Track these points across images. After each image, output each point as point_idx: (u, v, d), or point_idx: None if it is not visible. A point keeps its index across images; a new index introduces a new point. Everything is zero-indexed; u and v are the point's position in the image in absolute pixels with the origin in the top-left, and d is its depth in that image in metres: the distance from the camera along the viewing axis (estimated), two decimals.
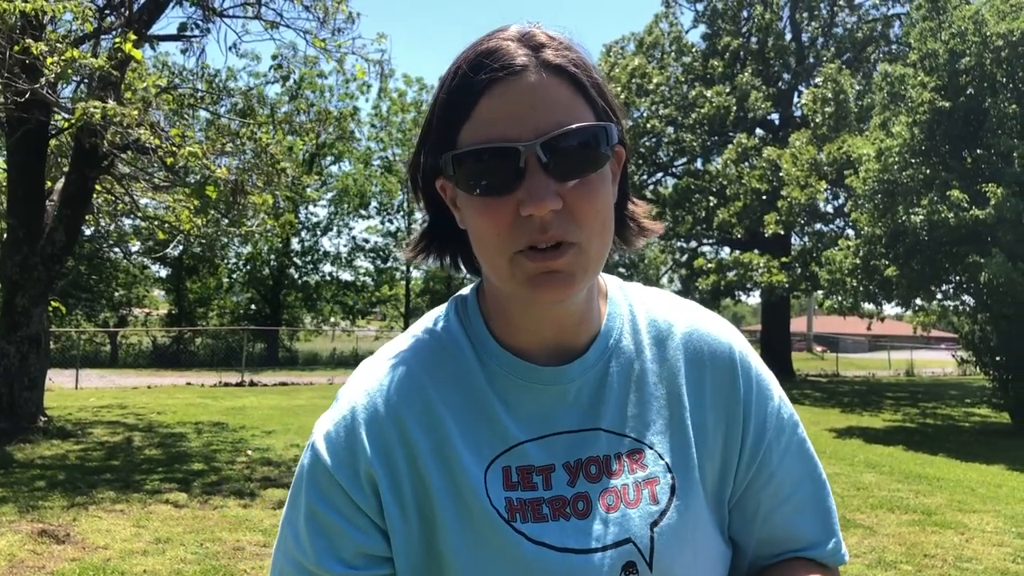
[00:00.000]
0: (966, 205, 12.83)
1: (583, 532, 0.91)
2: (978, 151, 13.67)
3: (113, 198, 12.77)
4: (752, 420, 1.00)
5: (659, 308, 1.05)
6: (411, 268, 36.61)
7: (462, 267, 1.03)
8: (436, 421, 0.93)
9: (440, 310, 1.04)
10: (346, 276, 36.08)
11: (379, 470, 0.91)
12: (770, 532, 1.02)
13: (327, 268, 35.56)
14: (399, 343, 1.02)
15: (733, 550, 1.03)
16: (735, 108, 25.02)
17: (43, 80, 8.25)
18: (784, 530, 1.02)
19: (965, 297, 15.13)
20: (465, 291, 1.05)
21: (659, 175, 28.71)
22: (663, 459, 0.96)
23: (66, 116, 9.24)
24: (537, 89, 0.86)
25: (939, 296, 15.63)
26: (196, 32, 11.04)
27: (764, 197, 22.40)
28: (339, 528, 0.90)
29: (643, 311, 1.04)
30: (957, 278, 14.47)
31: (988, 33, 13.23)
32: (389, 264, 36.08)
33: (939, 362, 35.64)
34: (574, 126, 0.86)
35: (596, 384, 0.97)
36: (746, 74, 25.74)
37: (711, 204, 25.00)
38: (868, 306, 17.58)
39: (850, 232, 20.97)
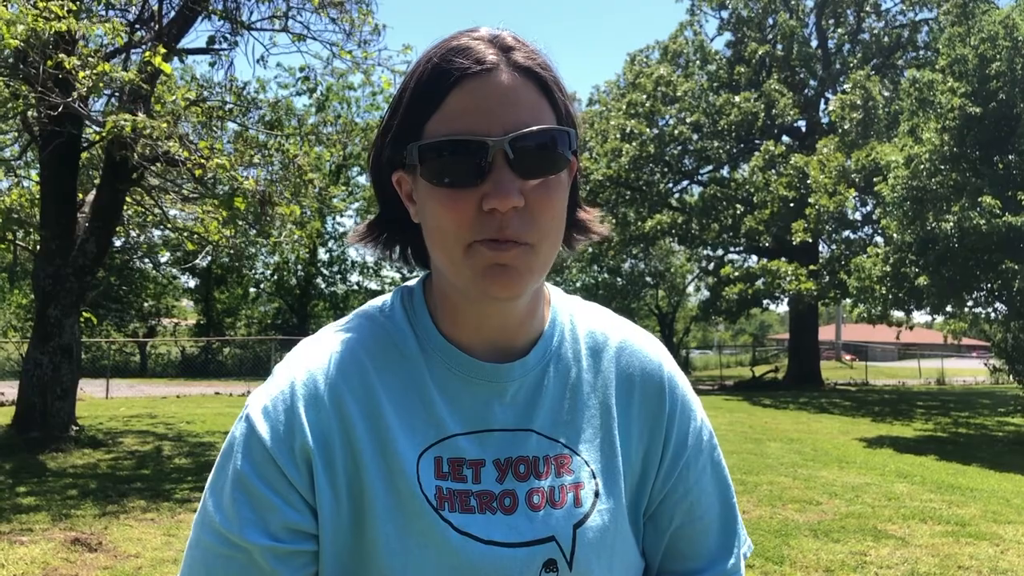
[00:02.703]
0: (998, 211, 12.67)
1: (508, 527, 0.93)
2: (1010, 157, 13.51)
3: (143, 210, 12.92)
4: (673, 437, 1.04)
5: (597, 321, 1.08)
6: None
7: (410, 260, 1.04)
8: (374, 404, 0.94)
9: (385, 298, 1.05)
10: (372, 286, 36.27)
11: (315, 449, 0.90)
12: (677, 547, 1.06)
13: (354, 278, 35.76)
14: (341, 325, 1.02)
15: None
16: (762, 115, 24.89)
17: (75, 94, 8.37)
18: (691, 546, 1.06)
19: (997, 304, 14.93)
20: (411, 283, 1.06)
21: (685, 183, 28.63)
22: (589, 466, 0.99)
23: (97, 129, 9.37)
24: (507, 87, 0.88)
25: (970, 303, 15.43)
26: (224, 45, 11.17)
27: (792, 205, 22.24)
28: (268, 502, 0.89)
29: (583, 322, 1.06)
30: (989, 285, 14.28)
31: (1019, 37, 13.08)
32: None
33: (970, 370, 35.17)
34: (543, 127, 0.88)
35: (533, 387, 0.99)
36: (772, 81, 25.61)
37: (738, 212, 24.88)
38: (897, 314, 17.40)
39: (879, 239, 20.79)
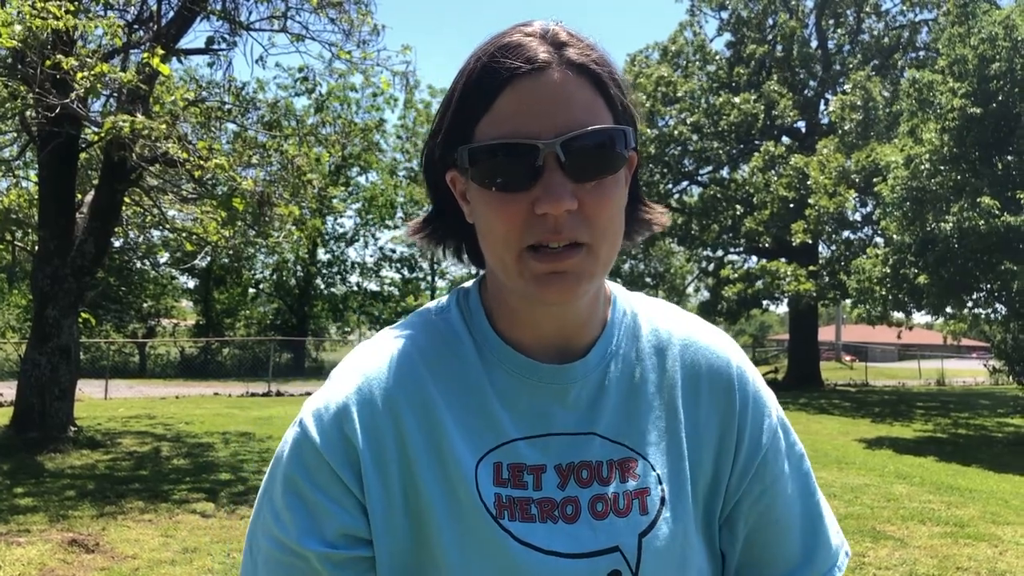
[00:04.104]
0: (997, 212, 12.67)
1: (571, 536, 0.90)
2: (1009, 157, 13.50)
3: (142, 210, 12.92)
4: (747, 435, 0.99)
5: (661, 318, 1.04)
6: (436, 278, 36.74)
7: (464, 259, 1.02)
8: (431, 409, 0.92)
9: (441, 300, 1.03)
10: (372, 286, 36.26)
11: (367, 453, 0.89)
12: (754, 552, 1.01)
13: (353, 278, 35.75)
14: (398, 329, 1.00)
15: (721, 568, 1.02)
16: (762, 115, 24.89)
17: (73, 95, 8.36)
18: (769, 552, 1.01)
19: (997, 305, 14.93)
20: (468, 284, 1.04)
21: (684, 183, 28.61)
22: (655, 470, 0.95)
23: (95, 130, 9.36)
24: (559, 87, 0.85)
25: (970, 304, 15.43)
26: (223, 46, 11.16)
27: (791, 205, 22.24)
28: (322, 507, 0.88)
29: (646, 319, 1.03)
30: (988, 286, 14.28)
31: (1019, 38, 13.07)
32: (415, 274, 36.22)
33: (970, 371, 35.17)
34: (595, 127, 0.85)
35: (595, 388, 0.96)
36: (772, 82, 25.61)
37: (737, 213, 24.87)
38: (897, 315, 17.40)
39: (879, 240, 20.79)
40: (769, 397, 1.04)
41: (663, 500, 0.94)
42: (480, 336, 0.97)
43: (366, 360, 0.95)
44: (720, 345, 1.03)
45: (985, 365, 18.88)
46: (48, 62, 8.01)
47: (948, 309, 15.53)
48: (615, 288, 1.04)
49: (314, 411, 0.92)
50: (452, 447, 0.90)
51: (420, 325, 0.99)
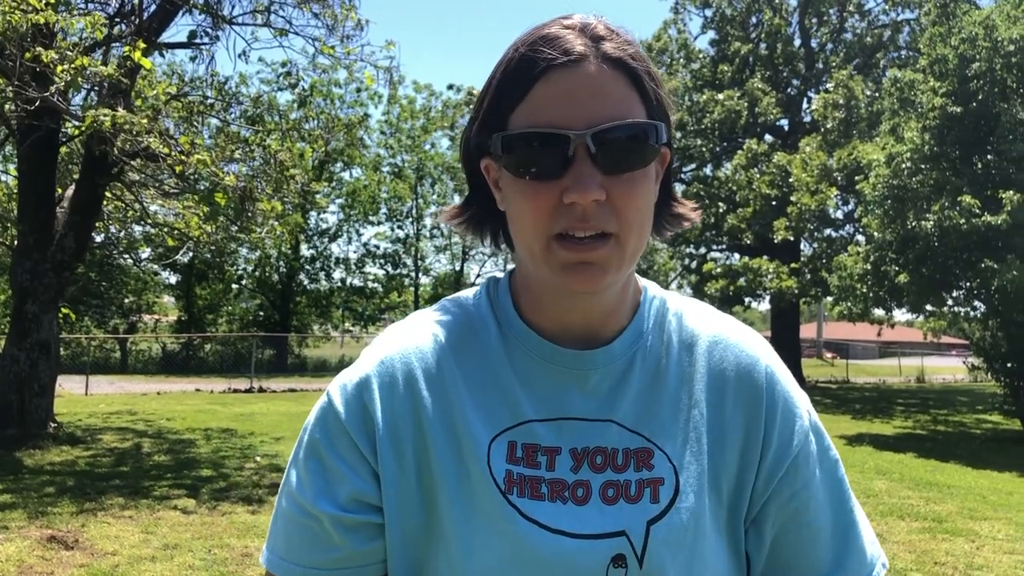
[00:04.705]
0: (977, 211, 12.78)
1: (578, 517, 0.91)
2: (988, 157, 13.62)
3: (123, 205, 12.82)
4: (775, 437, 0.97)
5: (691, 314, 1.04)
6: (419, 274, 36.67)
7: (500, 244, 1.04)
8: (449, 387, 0.95)
9: (475, 288, 1.06)
10: (356, 282, 36.14)
11: (384, 426, 0.93)
12: (781, 556, 0.99)
13: (337, 274, 35.64)
14: (426, 312, 1.04)
15: (747, 570, 1.00)
16: (746, 113, 24.98)
17: (53, 88, 8.29)
18: (796, 556, 0.98)
19: (976, 303, 15.06)
20: (499, 274, 1.06)
21: None
22: (671, 462, 0.94)
23: (76, 124, 9.28)
24: (594, 79, 0.87)
25: (950, 302, 15.56)
26: (205, 40, 11.07)
27: (774, 203, 22.35)
28: (339, 472, 0.92)
29: (676, 315, 1.03)
30: (968, 284, 14.40)
31: (998, 38, 13.18)
32: (399, 270, 36.13)
33: (950, 368, 35.44)
34: (626, 121, 0.87)
35: (618, 376, 0.96)
36: (756, 79, 25.70)
37: (720, 210, 24.97)
38: (878, 312, 17.51)
39: (860, 238, 20.92)
40: (801, 399, 1.02)
41: (677, 491, 0.93)
42: (504, 320, 0.99)
43: (393, 339, 1.00)
44: (750, 344, 1.03)
45: (964, 362, 19.03)
46: (28, 55, 7.93)
47: (928, 307, 15.64)
48: (647, 283, 1.05)
49: (340, 384, 0.97)
50: (467, 423, 0.93)
51: (448, 308, 1.03)
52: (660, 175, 0.96)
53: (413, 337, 0.99)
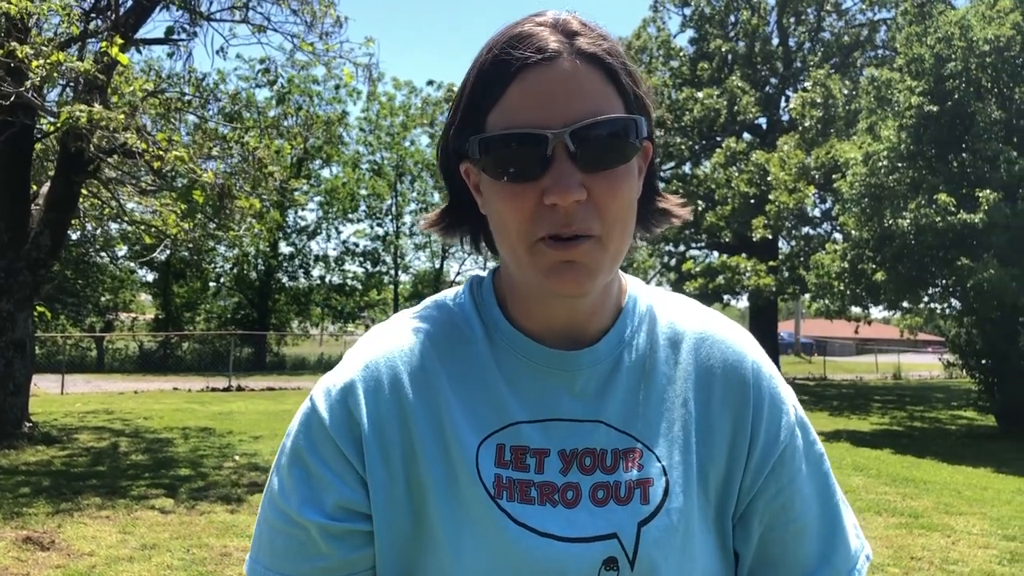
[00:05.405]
0: (953, 209, 12.91)
1: (568, 521, 0.90)
2: (964, 155, 13.76)
3: (99, 202, 12.70)
4: (762, 433, 0.97)
5: (678, 311, 1.03)
6: (399, 272, 36.58)
7: (481, 248, 1.03)
8: (436, 390, 0.93)
9: (456, 288, 1.04)
10: (335, 280, 35.99)
11: (370, 432, 0.91)
12: (769, 552, 0.99)
13: (316, 272, 35.48)
14: (410, 313, 1.02)
15: (735, 567, 1.01)
16: (725, 111, 25.10)
17: (28, 83, 8.19)
18: (784, 552, 0.99)
19: (952, 300, 15.22)
20: (483, 273, 1.04)
21: None
22: (660, 462, 0.94)
23: (51, 120, 9.17)
24: (570, 76, 0.85)
25: (926, 299, 15.71)
26: (183, 36, 10.98)
27: (752, 201, 22.48)
28: (324, 479, 0.90)
29: (662, 312, 1.02)
30: (944, 282, 14.55)
31: (974, 38, 13.32)
32: (378, 268, 36.02)
33: (926, 365, 35.80)
34: (604, 117, 0.85)
35: (605, 376, 0.95)
36: (735, 78, 25.83)
37: (699, 208, 25.09)
38: (855, 309, 17.66)
39: (837, 236, 21.08)
40: (788, 394, 1.02)
41: (666, 491, 0.93)
42: (490, 321, 0.97)
43: (377, 341, 0.98)
44: (737, 340, 1.02)
45: (940, 359, 19.21)
46: (1, 50, 7.83)
47: (905, 304, 15.79)
48: (632, 280, 1.04)
49: (324, 389, 0.94)
50: (455, 427, 0.92)
51: (433, 310, 1.01)
52: (643, 171, 0.94)
53: (398, 339, 0.97)
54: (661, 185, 1.04)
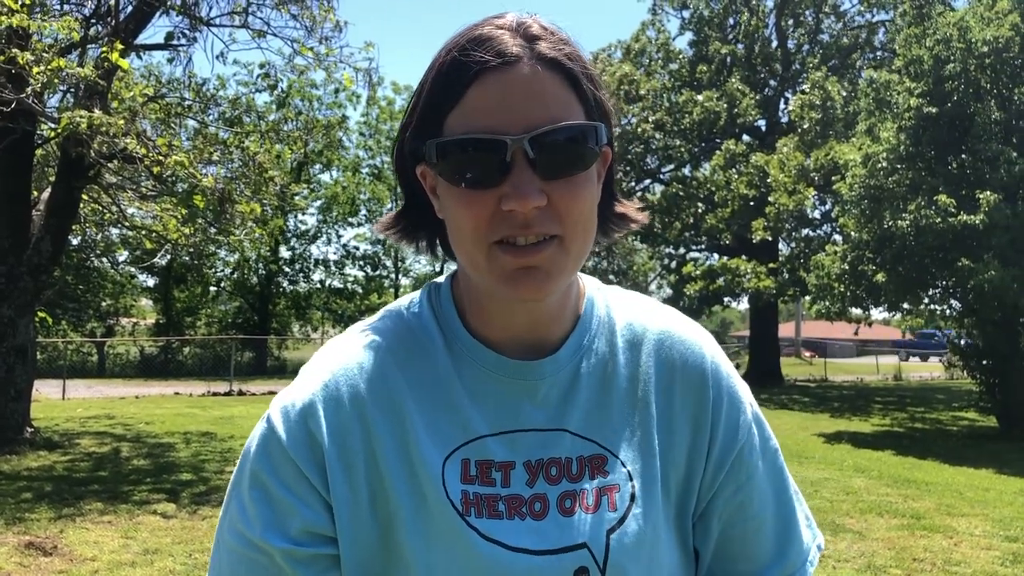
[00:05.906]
0: (953, 210, 12.91)
1: (538, 533, 0.89)
2: (963, 156, 13.76)
3: (100, 208, 12.71)
4: (720, 431, 0.98)
5: (636, 312, 1.02)
6: (400, 275, 36.58)
7: (439, 252, 1.01)
8: (398, 406, 0.91)
9: (413, 295, 1.02)
10: (336, 284, 36.02)
11: (332, 450, 0.88)
12: (728, 548, 1.00)
13: (316, 276, 35.51)
14: (367, 326, 0.99)
15: (695, 565, 1.02)
16: (724, 114, 25.11)
17: (29, 90, 8.20)
18: (743, 548, 1.00)
19: (952, 302, 15.21)
20: (440, 279, 1.02)
21: (647, 182, 28.78)
22: (625, 467, 0.94)
23: (52, 126, 9.19)
24: (530, 81, 0.83)
25: (926, 301, 15.71)
26: (183, 41, 11.00)
27: (752, 203, 22.47)
28: (287, 503, 0.87)
29: (620, 313, 1.01)
30: (944, 283, 14.55)
31: (972, 40, 13.33)
32: (379, 272, 36.04)
33: (927, 367, 35.78)
34: (564, 123, 0.83)
35: (567, 384, 0.94)
36: (734, 80, 25.84)
37: (699, 210, 25.08)
38: (856, 311, 17.65)
39: (837, 238, 21.07)
40: (744, 392, 1.02)
41: (633, 497, 0.93)
42: (450, 331, 0.95)
43: (334, 357, 0.95)
44: (696, 338, 1.02)
45: (941, 360, 19.21)
46: (2, 56, 7.85)
47: (905, 305, 15.78)
48: (589, 282, 1.03)
49: (281, 408, 0.91)
50: (419, 444, 0.90)
51: (390, 321, 0.98)
52: (602, 176, 0.93)
53: (356, 354, 0.94)
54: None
